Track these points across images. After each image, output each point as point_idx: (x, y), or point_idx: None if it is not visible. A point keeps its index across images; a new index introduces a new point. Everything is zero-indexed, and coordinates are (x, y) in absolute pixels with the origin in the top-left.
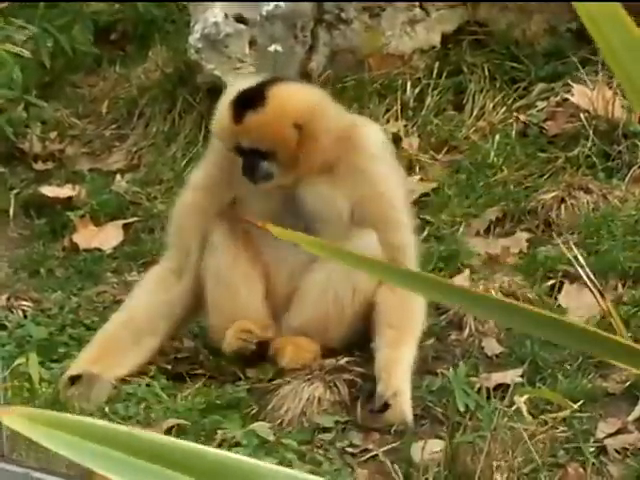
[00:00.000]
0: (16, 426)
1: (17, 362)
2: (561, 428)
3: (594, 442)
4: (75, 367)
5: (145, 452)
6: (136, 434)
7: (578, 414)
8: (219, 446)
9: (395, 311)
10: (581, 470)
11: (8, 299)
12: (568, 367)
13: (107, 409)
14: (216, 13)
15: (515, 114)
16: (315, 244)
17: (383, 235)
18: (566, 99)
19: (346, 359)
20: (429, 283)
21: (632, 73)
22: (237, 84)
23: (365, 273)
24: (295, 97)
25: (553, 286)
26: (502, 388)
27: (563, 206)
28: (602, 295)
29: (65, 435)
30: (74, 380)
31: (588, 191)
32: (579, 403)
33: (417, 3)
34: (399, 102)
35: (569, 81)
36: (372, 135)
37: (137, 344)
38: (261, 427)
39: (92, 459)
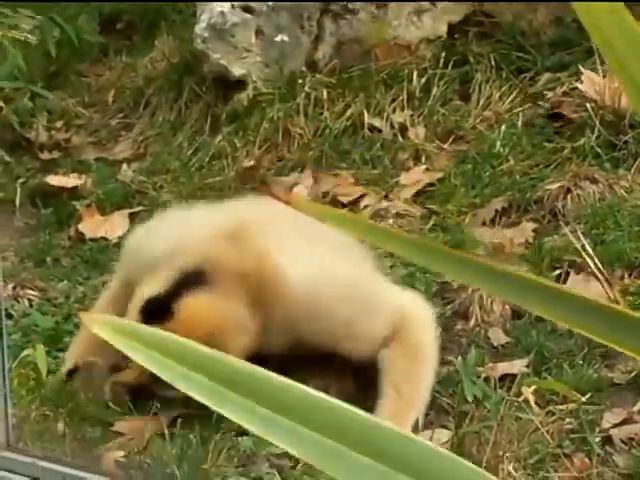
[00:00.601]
0: (101, 333)
1: (24, 353)
2: (567, 420)
3: (600, 432)
4: (70, 360)
5: (225, 378)
6: (220, 358)
7: (584, 405)
8: None
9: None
10: (587, 460)
11: (14, 288)
12: (574, 357)
13: None
14: (222, 3)
15: (521, 105)
16: (337, 217)
17: None
18: (574, 88)
19: None
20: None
21: (632, 68)
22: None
23: None
24: (204, 313)
25: (559, 276)
26: (508, 378)
27: (569, 196)
28: (609, 284)
29: (145, 349)
30: (72, 373)
31: (594, 181)
32: (587, 396)
33: None
34: (405, 92)
35: (580, 67)
36: None
37: None
38: None
39: (170, 375)
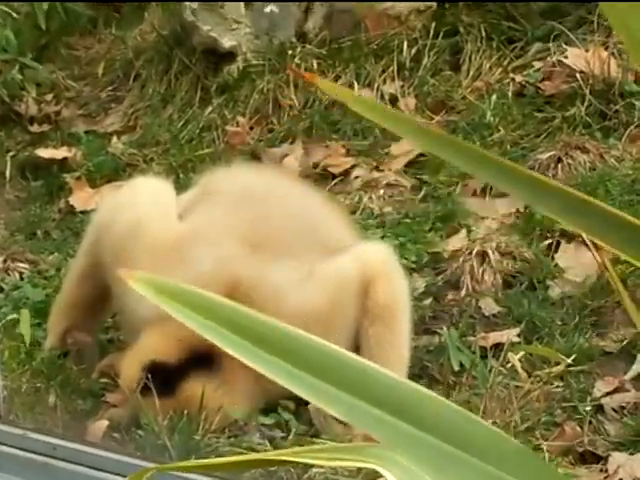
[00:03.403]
0: (143, 291)
1: (9, 317)
2: (556, 384)
3: (591, 401)
4: (54, 332)
5: (271, 343)
6: (264, 321)
7: (574, 372)
8: None
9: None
10: (578, 428)
11: (4, 261)
12: (565, 326)
13: None
14: None
15: (511, 75)
16: (361, 102)
17: None
18: (561, 60)
19: None
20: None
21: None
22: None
23: None
24: (207, 402)
25: (550, 245)
26: (500, 347)
27: (560, 166)
28: (597, 249)
29: (188, 311)
30: (65, 354)
31: (585, 151)
32: (576, 361)
33: None
34: (395, 63)
35: (563, 44)
36: None
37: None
38: None
39: (214, 335)
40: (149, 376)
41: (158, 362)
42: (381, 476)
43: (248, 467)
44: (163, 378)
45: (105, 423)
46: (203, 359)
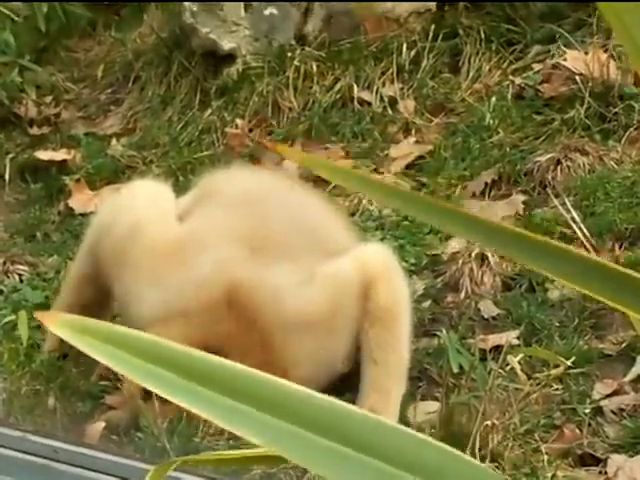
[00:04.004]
0: (62, 334)
1: (8, 319)
2: (555, 386)
3: (590, 403)
4: (52, 335)
5: (200, 375)
6: (193, 355)
7: (573, 374)
8: None
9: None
10: (577, 431)
11: (4, 263)
12: (565, 329)
13: None
14: None
15: (510, 77)
16: (332, 169)
17: None
18: (560, 63)
19: None
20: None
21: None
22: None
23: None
24: None
25: None
26: (499, 350)
27: (559, 168)
28: (596, 251)
29: (113, 349)
30: (64, 357)
31: (584, 153)
32: (576, 364)
33: None
34: (395, 65)
35: (562, 46)
36: None
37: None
38: None
39: (140, 376)
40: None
41: None
42: None
43: (256, 463)
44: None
45: (102, 425)
46: None
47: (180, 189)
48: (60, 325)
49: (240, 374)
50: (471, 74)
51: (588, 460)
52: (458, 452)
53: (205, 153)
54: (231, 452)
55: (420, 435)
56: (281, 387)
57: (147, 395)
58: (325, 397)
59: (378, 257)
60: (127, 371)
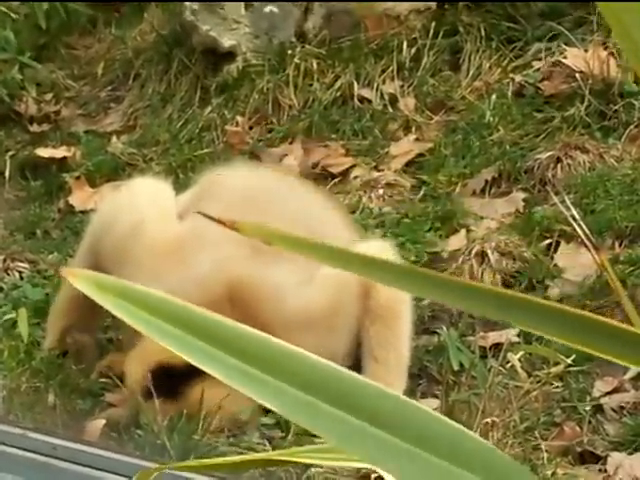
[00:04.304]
0: (85, 289)
1: (8, 317)
2: (555, 384)
3: (590, 401)
4: (52, 332)
5: (215, 338)
6: (211, 318)
7: (573, 372)
8: None
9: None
10: (577, 428)
11: (4, 261)
12: None
13: None
14: None
15: (511, 75)
16: (287, 240)
17: None
18: (560, 61)
19: None
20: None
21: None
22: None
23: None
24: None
25: (549, 245)
26: (499, 347)
27: (559, 166)
28: (596, 249)
29: (131, 307)
30: (64, 354)
31: (584, 150)
32: (574, 360)
33: None
34: (395, 63)
35: (562, 44)
36: None
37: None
38: None
39: (158, 334)
40: (154, 378)
41: (164, 364)
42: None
43: (251, 467)
44: (169, 380)
45: (102, 422)
46: None
47: (180, 187)
48: (82, 280)
49: (249, 338)
50: (471, 72)
51: (588, 458)
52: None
53: (205, 151)
54: (221, 459)
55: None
56: (309, 361)
57: (148, 393)
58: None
59: (379, 254)
60: (142, 327)
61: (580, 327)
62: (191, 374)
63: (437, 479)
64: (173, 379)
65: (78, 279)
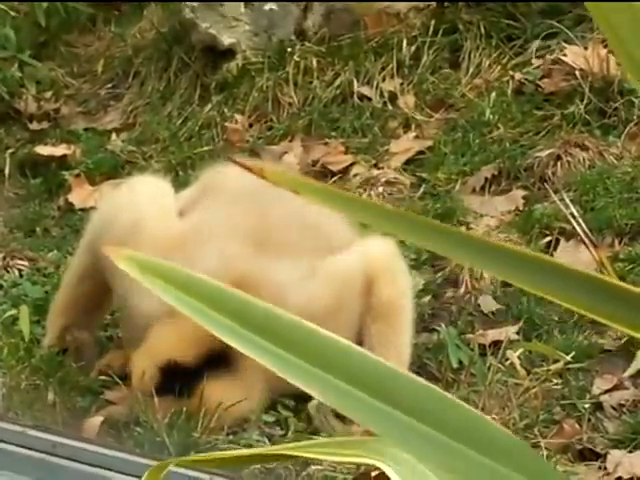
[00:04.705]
0: (127, 269)
1: (8, 314)
2: (555, 381)
3: (590, 398)
4: (52, 330)
5: (256, 324)
6: (250, 301)
7: (573, 369)
8: None
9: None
10: (577, 426)
11: (4, 258)
12: (564, 324)
13: None
14: None
15: (510, 72)
16: (313, 188)
17: None
18: (560, 58)
19: None
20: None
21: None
22: None
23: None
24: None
25: (549, 243)
26: (498, 345)
27: (559, 163)
28: (595, 246)
29: (173, 289)
30: (64, 351)
31: (584, 148)
32: (575, 359)
33: None
34: (395, 60)
35: (562, 42)
36: None
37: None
38: None
39: (195, 314)
40: (161, 375)
41: (174, 362)
42: (377, 469)
43: (258, 461)
44: (179, 378)
45: (99, 420)
46: (219, 357)
47: (180, 184)
48: (126, 260)
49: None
50: (471, 69)
51: (588, 455)
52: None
53: (205, 148)
54: (230, 452)
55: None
56: (336, 344)
57: (156, 390)
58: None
59: (381, 252)
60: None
61: (586, 288)
62: (199, 372)
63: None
64: (183, 376)
65: (122, 260)
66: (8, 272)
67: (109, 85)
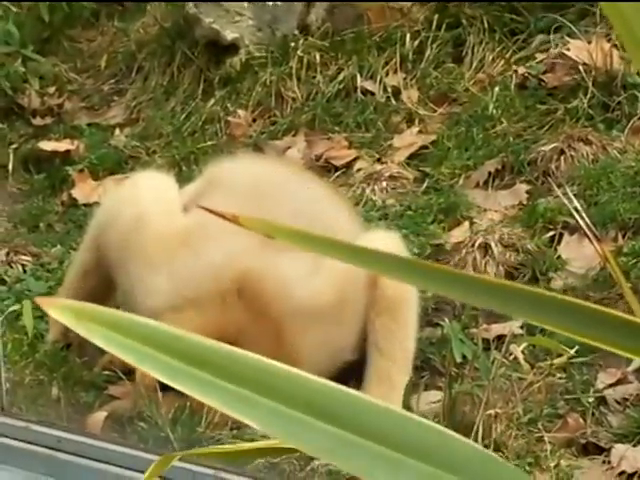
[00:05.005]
0: (63, 319)
1: (12, 309)
2: (559, 375)
3: (594, 393)
4: (55, 325)
5: (193, 358)
6: (187, 338)
7: (577, 364)
8: None
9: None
10: (581, 420)
11: (7, 254)
12: None
13: None
14: None
15: (514, 67)
16: (290, 234)
17: None
18: (564, 53)
19: None
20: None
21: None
22: None
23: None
24: None
25: (553, 237)
26: (502, 339)
27: (562, 158)
28: (599, 240)
29: (109, 332)
30: (68, 347)
31: (587, 142)
32: (575, 349)
33: None
34: (398, 55)
35: (565, 36)
36: None
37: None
38: None
39: (136, 358)
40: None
41: None
42: None
43: (262, 456)
44: None
45: (104, 414)
46: None
47: (183, 179)
48: (61, 310)
49: (241, 360)
50: (474, 64)
51: (591, 449)
52: (465, 439)
53: (208, 143)
54: (234, 446)
55: (427, 421)
56: (286, 374)
57: (163, 387)
58: (333, 384)
59: (387, 245)
60: (122, 354)
61: (583, 318)
62: None
63: None
64: None
65: (55, 309)
66: (12, 267)
67: (112, 80)
